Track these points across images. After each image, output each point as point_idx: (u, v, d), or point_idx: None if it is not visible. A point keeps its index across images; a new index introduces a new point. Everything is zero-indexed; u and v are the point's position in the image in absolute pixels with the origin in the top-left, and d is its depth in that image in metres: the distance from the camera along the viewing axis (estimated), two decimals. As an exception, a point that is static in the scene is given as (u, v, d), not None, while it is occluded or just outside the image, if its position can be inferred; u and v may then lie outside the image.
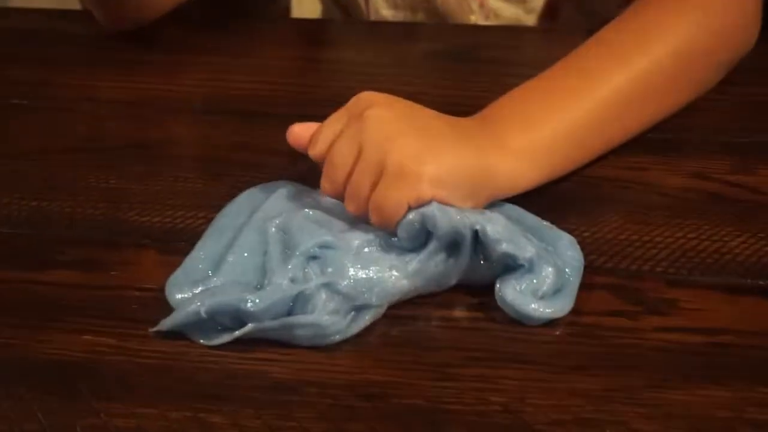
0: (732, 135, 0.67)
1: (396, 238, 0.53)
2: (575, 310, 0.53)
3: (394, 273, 0.53)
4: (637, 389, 0.49)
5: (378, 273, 0.52)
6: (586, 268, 0.55)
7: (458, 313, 0.54)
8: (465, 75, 0.74)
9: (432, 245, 0.53)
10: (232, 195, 0.60)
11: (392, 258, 0.53)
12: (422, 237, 0.53)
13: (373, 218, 0.54)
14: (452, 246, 0.53)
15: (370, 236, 0.54)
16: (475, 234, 0.53)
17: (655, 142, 0.65)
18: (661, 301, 0.54)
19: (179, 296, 0.54)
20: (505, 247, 0.53)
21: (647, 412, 0.48)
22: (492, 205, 0.56)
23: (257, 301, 0.51)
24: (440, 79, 0.74)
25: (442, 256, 0.53)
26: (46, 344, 0.53)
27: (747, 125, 0.68)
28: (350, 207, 0.54)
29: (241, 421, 0.49)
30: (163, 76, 0.74)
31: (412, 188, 0.53)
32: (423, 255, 0.53)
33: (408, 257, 0.53)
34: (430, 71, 0.76)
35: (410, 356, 0.52)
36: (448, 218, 0.53)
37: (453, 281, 0.54)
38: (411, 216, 0.53)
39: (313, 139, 0.56)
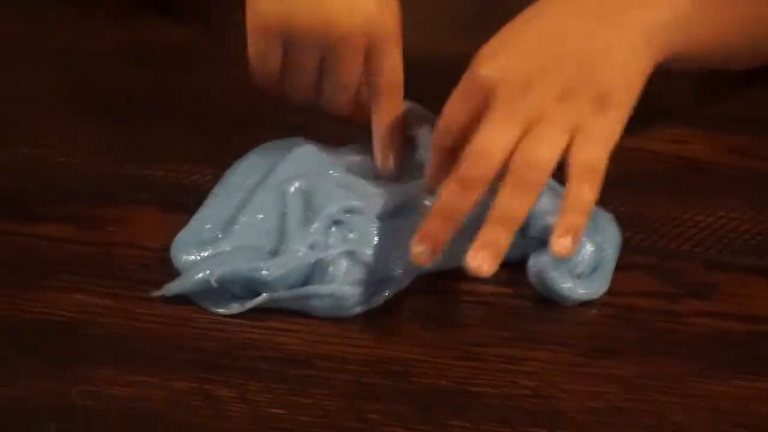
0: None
1: (430, 201, 0.49)
2: (610, 290, 0.50)
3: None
4: (676, 378, 0.46)
5: (404, 244, 0.48)
6: (622, 246, 0.51)
7: (486, 288, 0.50)
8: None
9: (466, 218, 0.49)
10: (242, 151, 0.55)
11: (418, 226, 0.49)
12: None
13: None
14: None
15: (399, 199, 0.50)
16: None
17: (695, 114, 0.61)
18: (700, 284, 0.51)
19: (186, 258, 0.49)
20: (549, 220, 0.49)
21: (687, 403, 0.45)
22: None
23: (272, 269, 0.47)
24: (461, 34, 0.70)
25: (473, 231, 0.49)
26: (35, 303, 0.49)
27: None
28: None
29: (250, 395, 0.45)
30: (168, 19, 0.69)
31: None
32: None
33: None
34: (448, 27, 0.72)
35: (434, 332, 0.48)
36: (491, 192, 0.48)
37: None
38: None
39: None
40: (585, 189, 0.47)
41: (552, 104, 0.48)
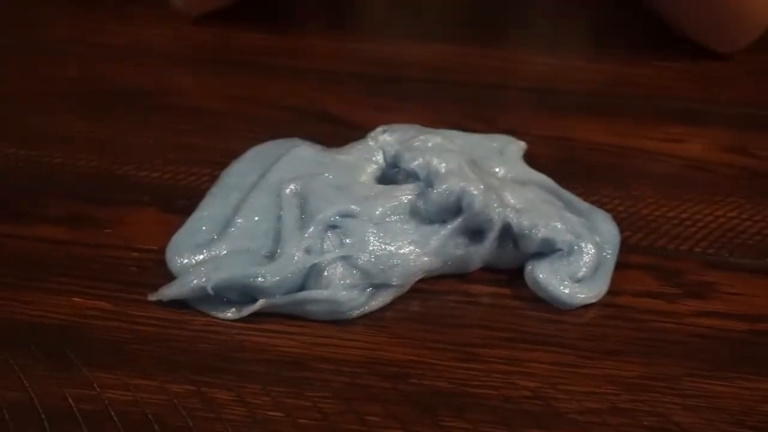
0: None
1: (423, 204, 0.49)
2: (609, 291, 0.49)
3: (416, 249, 0.48)
4: (677, 378, 0.46)
5: (399, 249, 0.48)
6: (620, 245, 0.51)
7: (483, 288, 0.50)
8: (486, 33, 0.70)
9: (455, 224, 0.49)
10: (237, 151, 0.55)
11: (412, 231, 0.49)
12: (452, 212, 0.49)
13: None
14: (475, 233, 0.49)
15: (395, 203, 0.50)
16: (508, 226, 0.49)
17: (692, 112, 0.61)
18: (700, 283, 0.51)
19: (181, 261, 0.49)
20: (542, 233, 0.49)
21: (688, 404, 0.45)
22: (527, 176, 0.53)
23: (268, 276, 0.47)
24: (462, 36, 0.70)
25: (463, 240, 0.49)
26: (32, 305, 0.48)
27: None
28: None
29: (248, 398, 0.44)
30: (161, 19, 0.69)
31: None
32: (444, 232, 0.49)
33: (428, 231, 0.49)
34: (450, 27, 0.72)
35: (432, 334, 0.48)
36: (485, 204, 0.48)
37: (476, 266, 0.50)
38: (452, 185, 0.49)
39: None
40: None
41: None
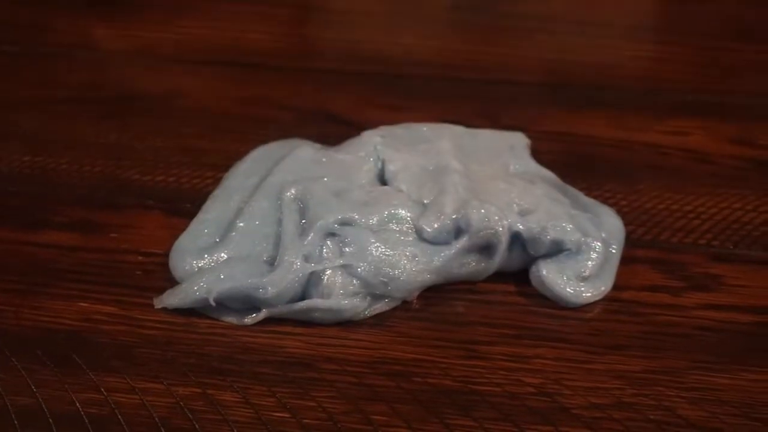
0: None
1: (423, 232, 0.48)
2: (614, 285, 0.49)
3: (418, 266, 0.48)
4: (682, 371, 0.46)
5: (400, 262, 0.48)
6: (624, 240, 0.51)
7: (487, 285, 0.50)
8: (489, 30, 0.70)
9: (461, 243, 0.48)
10: (242, 154, 0.55)
11: (415, 243, 0.48)
12: (452, 233, 0.49)
13: None
14: (485, 248, 0.49)
15: (395, 211, 0.49)
16: (516, 233, 0.49)
17: (694, 104, 0.61)
18: (704, 276, 0.50)
19: (184, 268, 0.49)
20: (552, 234, 0.48)
21: (694, 397, 0.45)
22: (536, 171, 0.53)
23: (269, 287, 0.47)
24: (464, 33, 0.70)
25: (472, 257, 0.49)
26: (39, 311, 0.49)
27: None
28: None
29: (254, 399, 0.45)
30: (165, 23, 0.69)
31: None
32: (450, 252, 0.48)
33: (433, 249, 0.48)
34: (453, 24, 0.72)
35: (436, 332, 0.48)
36: (484, 217, 0.48)
37: (482, 278, 0.50)
38: (446, 209, 0.48)
39: None
40: None
41: None
